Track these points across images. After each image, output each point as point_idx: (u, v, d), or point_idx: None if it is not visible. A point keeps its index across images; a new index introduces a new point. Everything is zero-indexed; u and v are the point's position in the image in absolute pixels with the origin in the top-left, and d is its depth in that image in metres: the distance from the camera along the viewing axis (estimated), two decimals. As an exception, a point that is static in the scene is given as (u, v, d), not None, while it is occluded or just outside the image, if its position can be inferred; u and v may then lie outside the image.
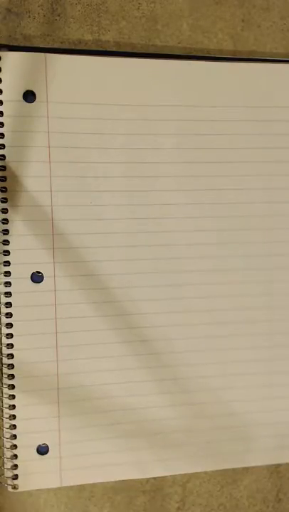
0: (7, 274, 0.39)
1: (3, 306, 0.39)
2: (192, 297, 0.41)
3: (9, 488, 0.40)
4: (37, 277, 0.39)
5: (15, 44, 0.39)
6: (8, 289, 0.39)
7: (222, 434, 0.42)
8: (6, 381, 0.39)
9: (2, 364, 0.39)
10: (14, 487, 0.40)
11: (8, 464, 0.39)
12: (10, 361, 0.39)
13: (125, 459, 0.41)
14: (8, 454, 0.39)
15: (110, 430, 0.40)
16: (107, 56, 0.39)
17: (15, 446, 0.39)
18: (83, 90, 0.39)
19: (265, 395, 0.43)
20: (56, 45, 0.39)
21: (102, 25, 0.40)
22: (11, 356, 0.39)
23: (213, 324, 0.42)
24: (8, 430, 0.39)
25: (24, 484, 0.40)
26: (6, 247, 0.39)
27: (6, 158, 0.38)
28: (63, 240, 0.39)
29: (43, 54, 0.38)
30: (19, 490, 0.40)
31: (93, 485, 0.41)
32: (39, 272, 0.39)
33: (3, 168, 0.38)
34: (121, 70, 0.39)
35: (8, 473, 0.39)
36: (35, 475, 0.40)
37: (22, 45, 0.39)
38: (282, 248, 0.42)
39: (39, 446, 0.40)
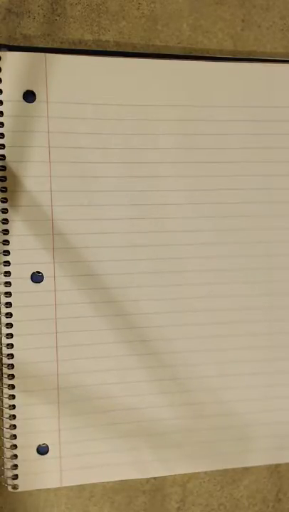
0: (7, 274, 0.39)
1: (3, 306, 0.39)
2: (192, 297, 0.41)
3: (9, 488, 0.40)
4: (37, 277, 0.39)
5: (15, 44, 0.39)
6: (8, 289, 0.39)
7: (222, 434, 0.42)
8: (6, 381, 0.39)
9: (2, 364, 0.39)
10: (14, 487, 0.40)
11: (8, 464, 0.39)
12: (10, 361, 0.39)
13: (125, 459, 0.41)
14: (8, 454, 0.39)
15: (110, 430, 0.40)
16: (107, 56, 0.39)
17: (15, 446, 0.39)
18: (83, 90, 0.39)
19: (265, 395, 0.43)
20: (56, 45, 0.39)
21: (102, 25, 0.40)
22: (11, 356, 0.39)
23: (213, 324, 0.42)
24: (8, 430, 0.39)
25: (24, 484, 0.40)
26: (6, 247, 0.39)
27: (6, 158, 0.38)
28: (63, 240, 0.39)
29: (43, 54, 0.38)
30: (19, 490, 0.40)
31: (93, 485, 0.41)
32: (39, 272, 0.39)
33: (3, 168, 0.38)
34: (121, 70, 0.39)
35: (8, 473, 0.39)
36: (35, 475, 0.40)
37: (22, 45, 0.39)
38: (282, 248, 0.42)
39: (39, 446, 0.40)
